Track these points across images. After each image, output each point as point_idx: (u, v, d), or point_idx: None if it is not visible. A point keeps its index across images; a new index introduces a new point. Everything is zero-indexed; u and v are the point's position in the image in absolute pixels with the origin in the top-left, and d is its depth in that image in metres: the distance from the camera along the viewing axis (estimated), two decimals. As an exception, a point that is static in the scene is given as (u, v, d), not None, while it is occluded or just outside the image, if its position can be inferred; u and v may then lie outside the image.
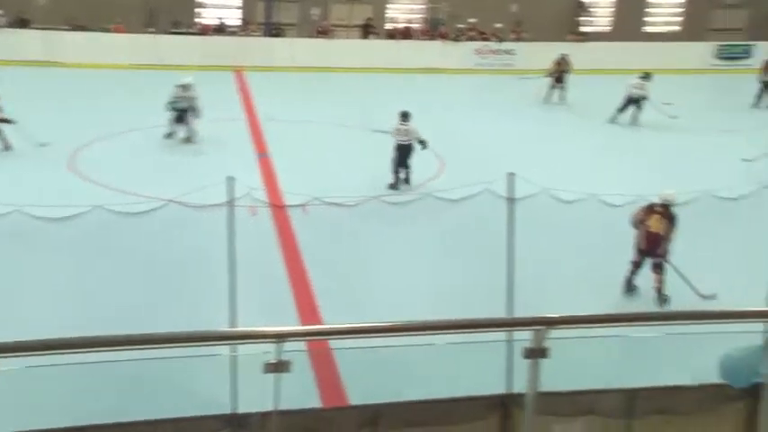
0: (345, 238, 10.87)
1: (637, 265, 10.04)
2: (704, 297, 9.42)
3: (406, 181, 14.21)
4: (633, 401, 5.36)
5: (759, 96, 22.14)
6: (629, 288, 10.07)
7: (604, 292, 9.74)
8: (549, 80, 22.42)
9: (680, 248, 9.92)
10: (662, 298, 9.83)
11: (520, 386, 4.34)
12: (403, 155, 14.11)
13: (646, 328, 4.25)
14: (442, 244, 10.87)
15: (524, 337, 3.92)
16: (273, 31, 27.42)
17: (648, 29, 30.17)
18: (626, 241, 10.34)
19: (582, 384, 5.33)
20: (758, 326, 3.96)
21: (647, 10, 30.25)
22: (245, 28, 27.29)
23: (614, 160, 16.36)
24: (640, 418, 5.31)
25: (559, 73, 22.40)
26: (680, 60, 26.76)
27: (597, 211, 10.36)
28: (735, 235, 11.22)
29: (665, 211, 9.97)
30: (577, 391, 5.25)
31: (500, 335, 5.70)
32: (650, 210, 10.05)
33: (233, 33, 27.08)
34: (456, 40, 26.92)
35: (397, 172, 14.12)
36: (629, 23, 29.10)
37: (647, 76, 19.74)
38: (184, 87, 16.28)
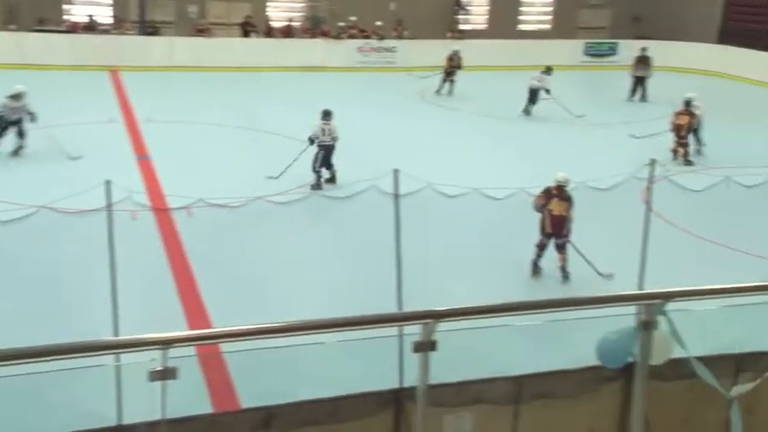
0: (232, 240, 10.69)
1: (542, 248, 10.59)
2: (602, 275, 10.21)
3: (332, 180, 14.01)
4: (519, 388, 5.54)
5: (632, 90, 23.42)
6: (536, 270, 10.63)
7: (491, 281, 10.01)
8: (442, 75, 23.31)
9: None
10: (565, 275, 10.51)
11: (412, 380, 4.39)
12: (327, 154, 13.96)
13: (530, 316, 4.39)
14: (331, 242, 10.88)
15: (414, 330, 3.97)
16: (149, 29, 26.57)
17: (522, 27, 31.24)
18: (509, 230, 10.69)
19: (470, 375, 5.46)
20: (631, 309, 4.17)
21: (520, 8, 31.31)
22: (119, 26, 26.30)
23: (497, 154, 16.84)
24: (526, 403, 5.50)
25: (451, 68, 23.21)
26: (552, 57, 27.74)
27: (480, 204, 10.64)
28: (606, 223, 11.78)
29: (561, 193, 10.54)
30: (466, 381, 5.37)
31: (391, 330, 5.76)
32: (548, 194, 10.58)
33: (105, 32, 26.04)
34: (338, 38, 26.96)
35: (318, 171, 13.89)
36: (503, 22, 30.04)
37: (548, 70, 20.71)
38: (15, 97, 14.89)
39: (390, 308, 6.65)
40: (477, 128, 19.46)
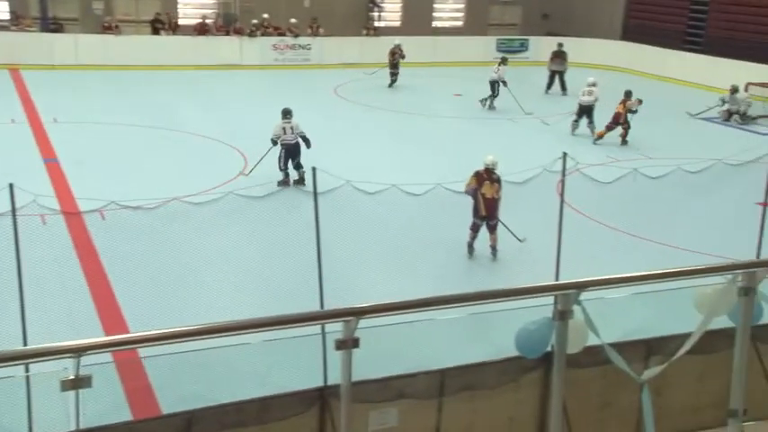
0: (148, 243, 10.41)
1: (476, 230, 11.16)
2: (520, 240, 11.24)
3: (301, 181, 13.57)
4: (442, 381, 5.61)
5: (549, 84, 24.18)
6: (471, 251, 11.23)
7: (413, 276, 10.09)
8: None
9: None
10: (494, 253, 11.19)
11: (337, 378, 4.38)
12: (290, 153, 13.70)
13: (453, 310, 4.44)
14: (251, 241, 10.73)
15: (338, 328, 3.96)
16: (52, 26, 25.59)
17: (436, 24, 31.58)
18: (428, 225, 10.78)
19: (394, 370, 5.49)
20: (549, 299, 4.27)
21: (434, 6, 31.64)
22: (18, 23, 25.20)
23: (413, 149, 16.96)
24: (450, 396, 5.58)
25: (394, 62, 23.97)
26: (466, 53, 28.30)
27: (399, 200, 10.70)
28: (523, 217, 12.04)
29: (491, 176, 11.05)
30: (390, 377, 5.40)
31: (315, 328, 5.73)
32: (479, 177, 11.04)
33: (4, 28, 24.92)
34: (252, 35, 26.63)
35: (284, 170, 13.69)
36: (417, 19, 30.29)
37: (504, 60, 21.66)
38: None
39: (313, 306, 6.62)
40: (393, 124, 19.57)
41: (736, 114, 20.35)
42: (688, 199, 11.96)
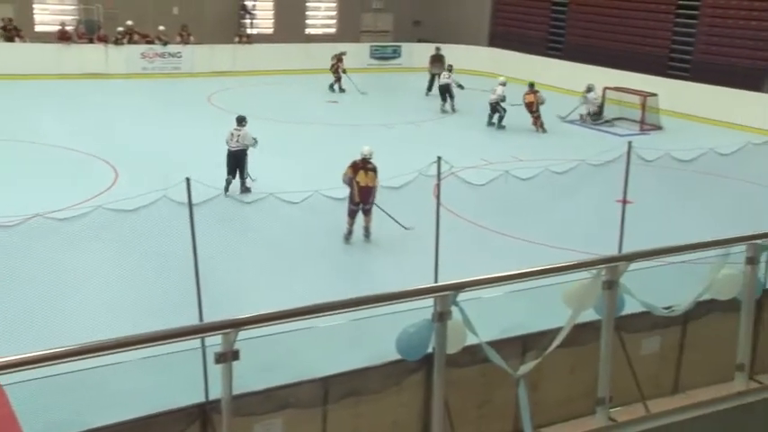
0: (8, 262, 9.82)
1: (353, 216, 11.90)
2: (405, 228, 11.72)
3: (245, 190, 13.58)
4: (327, 389, 5.59)
5: (429, 87, 24.97)
6: (348, 238, 11.93)
7: (296, 282, 10.02)
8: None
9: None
10: (367, 234, 11.98)
11: (218, 392, 4.29)
12: (232, 160, 13.67)
13: (335, 316, 4.45)
14: (123, 256, 10.33)
15: (218, 341, 3.88)
16: None
17: (309, 31, 31.58)
18: (308, 232, 10.75)
19: (277, 381, 5.43)
20: (429, 301, 4.36)
21: (307, 13, 31.63)
22: None
23: (291, 157, 16.86)
24: (334, 403, 5.57)
25: (337, 68, 25.04)
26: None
27: (277, 208, 10.62)
28: (402, 220, 12.23)
29: (366, 165, 11.87)
30: (272, 387, 5.34)
31: (196, 342, 5.59)
32: (355, 167, 11.87)
33: None
34: (118, 43, 25.69)
35: (229, 176, 13.65)
36: (290, 26, 30.18)
37: (450, 67, 23.05)
38: None
39: (193, 320, 6.46)
40: (268, 132, 19.32)
41: (586, 115, 21.55)
42: (555, 198, 12.51)
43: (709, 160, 12.08)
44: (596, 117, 21.52)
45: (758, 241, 4.97)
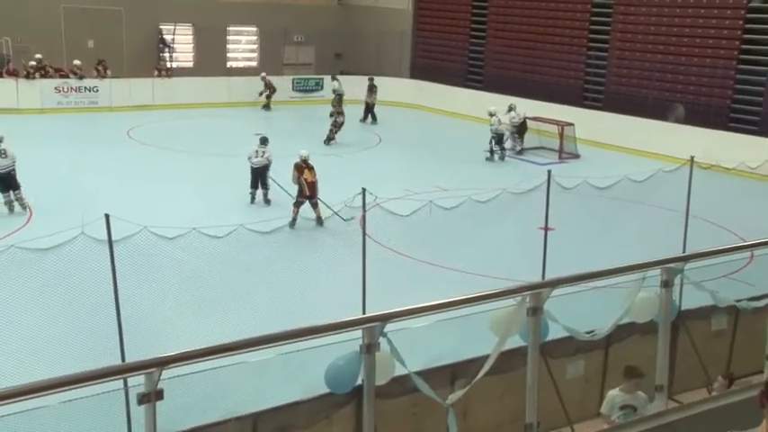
0: None
1: (299, 206, 14.23)
2: (345, 220, 12.40)
3: (268, 201, 15.92)
4: (255, 425, 5.50)
5: (364, 115, 26.09)
6: (293, 224, 13.89)
7: (219, 319, 9.83)
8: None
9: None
10: (320, 222, 13.91)
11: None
12: (259, 175, 15.89)
13: (262, 351, 4.38)
14: (42, 296, 9.94)
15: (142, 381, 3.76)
16: None
17: (231, 64, 31.43)
18: (236, 267, 10.59)
19: (204, 419, 5.31)
20: (357, 333, 4.34)
21: (227, 46, 31.49)
22: None
23: (212, 191, 16.64)
24: (264, 440, 5.47)
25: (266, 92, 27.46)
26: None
27: (201, 243, 10.44)
28: (327, 253, 12.19)
29: (307, 164, 14.55)
30: (197, 427, 5.22)
31: (118, 383, 5.41)
32: (299, 168, 14.46)
33: None
34: (29, 77, 24.96)
35: (253, 189, 15.96)
36: (210, 59, 29.95)
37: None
38: None
39: (115, 361, 6.26)
40: (191, 166, 19.12)
41: (511, 136, 22.02)
42: (480, 227, 12.71)
43: (624, 187, 12.49)
44: (516, 138, 22.04)
45: (672, 265, 5.15)
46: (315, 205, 14.27)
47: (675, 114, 22.54)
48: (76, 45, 26.80)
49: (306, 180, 14.31)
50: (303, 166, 14.47)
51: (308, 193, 14.30)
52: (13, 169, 14.59)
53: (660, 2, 23.68)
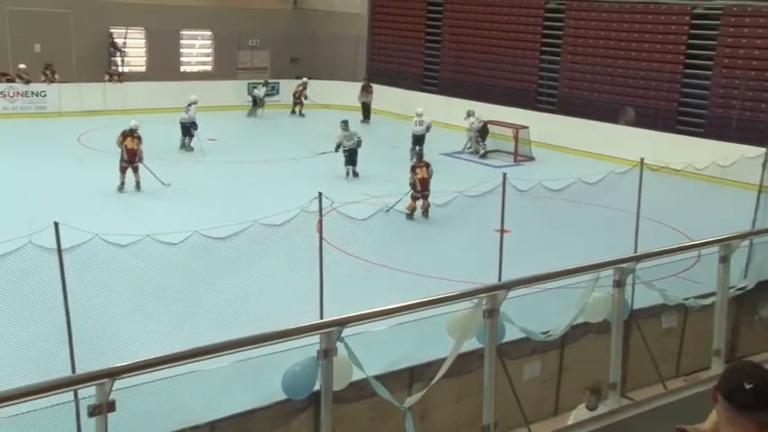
0: None
1: (124, 171, 16.62)
2: (164, 184, 14.79)
3: (356, 174, 18.92)
4: (212, 434, 5.43)
5: (363, 114, 26.98)
6: (122, 186, 16.41)
7: (173, 327, 9.68)
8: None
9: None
10: (138, 187, 16.34)
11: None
12: (352, 155, 18.89)
13: (217, 359, 4.32)
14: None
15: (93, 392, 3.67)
16: None
17: (184, 68, 31.05)
18: (186, 275, 10.45)
19: (159, 430, 5.23)
20: (315, 338, 4.31)
21: (181, 50, 31.10)
22: None
23: (166, 198, 16.42)
24: (220, 449, 5.41)
25: (299, 95, 28.10)
26: (219, 98, 28.00)
27: (155, 250, 10.28)
28: (283, 258, 12.10)
29: (133, 134, 16.91)
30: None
31: (68, 395, 5.29)
32: (124, 135, 16.74)
33: None
34: (-27, 82, 24.36)
35: (348, 167, 18.86)
36: (163, 63, 29.53)
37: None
38: None
39: (66, 372, 6.12)
40: (143, 171, 18.80)
41: (473, 141, 22.32)
42: (436, 230, 12.77)
43: (577, 189, 12.68)
44: (479, 141, 22.33)
45: (624, 265, 5.23)
46: (135, 170, 16.84)
47: (626, 117, 22.95)
48: (22, 49, 26.18)
49: (126, 146, 16.61)
50: (127, 134, 16.93)
51: (127, 158, 16.61)
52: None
53: (610, 8, 24.13)
